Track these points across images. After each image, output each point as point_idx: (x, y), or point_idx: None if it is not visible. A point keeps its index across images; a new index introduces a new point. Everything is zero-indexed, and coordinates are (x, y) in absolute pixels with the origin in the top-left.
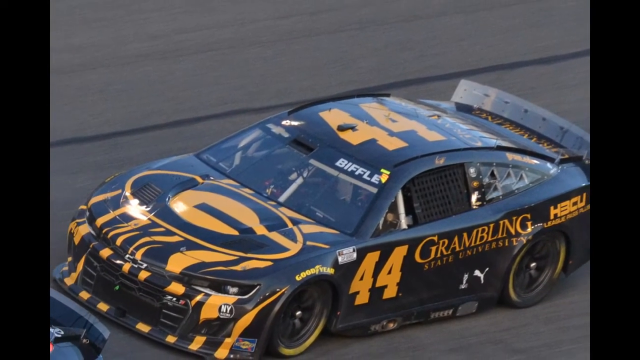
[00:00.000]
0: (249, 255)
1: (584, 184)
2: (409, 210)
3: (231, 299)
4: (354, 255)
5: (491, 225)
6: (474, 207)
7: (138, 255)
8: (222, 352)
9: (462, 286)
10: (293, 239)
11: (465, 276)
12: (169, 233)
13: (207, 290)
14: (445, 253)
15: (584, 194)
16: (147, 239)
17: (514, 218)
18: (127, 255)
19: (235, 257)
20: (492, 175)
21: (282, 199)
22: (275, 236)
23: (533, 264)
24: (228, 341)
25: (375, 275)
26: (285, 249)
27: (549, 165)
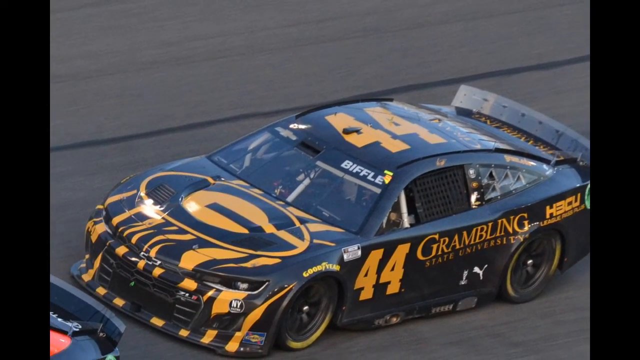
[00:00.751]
0: (258, 252)
1: (578, 185)
2: (411, 210)
3: (241, 294)
4: (359, 252)
5: (490, 224)
6: (474, 206)
7: (152, 253)
8: (232, 345)
9: (462, 282)
10: (300, 237)
11: (465, 273)
12: (182, 231)
13: (219, 286)
14: (446, 251)
15: (579, 194)
16: (161, 237)
17: (512, 217)
18: (142, 253)
19: (245, 255)
20: (491, 176)
21: (290, 199)
22: (284, 234)
23: (530, 261)
24: (238, 335)
25: (379, 271)
26: (293, 247)
27: (545, 166)
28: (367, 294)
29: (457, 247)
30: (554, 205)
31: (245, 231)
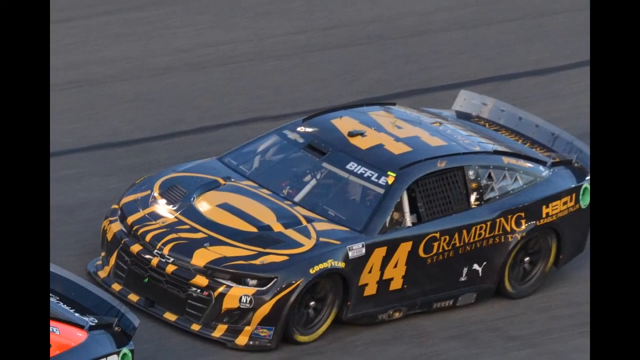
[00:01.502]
0: (267, 250)
1: (573, 185)
2: (413, 209)
3: (251, 290)
4: (363, 250)
5: (488, 223)
6: (473, 206)
7: (165, 251)
8: (242, 339)
9: (462, 279)
10: (307, 235)
11: (465, 269)
12: (193, 230)
13: (229, 283)
14: (446, 248)
15: (574, 195)
16: (173, 235)
17: (510, 216)
18: (156, 251)
19: (255, 252)
20: (490, 177)
21: (297, 199)
22: (291, 233)
23: (527, 259)
24: (248, 329)
25: (382, 268)
26: (300, 245)
27: (541, 168)
28: (371, 290)
29: (457, 245)
30: (550, 205)
31: (255, 230)
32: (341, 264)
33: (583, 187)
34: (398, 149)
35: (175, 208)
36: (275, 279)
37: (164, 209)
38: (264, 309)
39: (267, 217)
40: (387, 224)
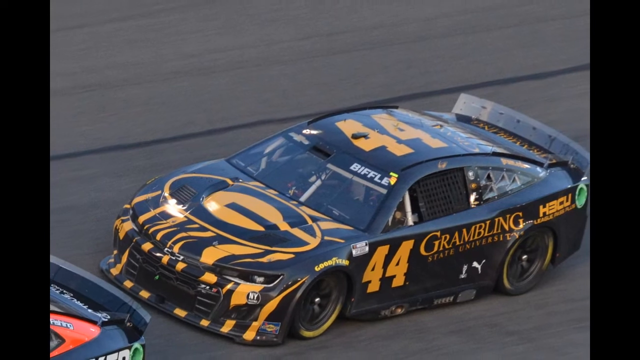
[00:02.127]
0: (273, 248)
1: (569, 186)
2: (415, 209)
3: (258, 287)
4: (366, 248)
5: (487, 222)
6: (473, 206)
7: (176, 249)
8: (249, 334)
9: (462, 276)
10: (312, 234)
11: (465, 267)
12: (202, 229)
13: (237, 280)
14: (447, 247)
15: (570, 195)
16: (183, 234)
17: (508, 216)
18: (166, 249)
19: (262, 250)
20: (489, 178)
21: (303, 199)
22: (297, 232)
23: (524, 257)
24: (255, 324)
25: (385, 266)
26: (306, 243)
27: (538, 169)
28: (374, 287)
29: (458, 243)
30: (547, 204)
31: (262, 229)
32: (345, 262)
33: (579, 187)
34: (400, 150)
35: (185, 208)
36: (281, 276)
37: (174, 208)
38: (271, 305)
39: (274, 216)
40: (390, 223)
